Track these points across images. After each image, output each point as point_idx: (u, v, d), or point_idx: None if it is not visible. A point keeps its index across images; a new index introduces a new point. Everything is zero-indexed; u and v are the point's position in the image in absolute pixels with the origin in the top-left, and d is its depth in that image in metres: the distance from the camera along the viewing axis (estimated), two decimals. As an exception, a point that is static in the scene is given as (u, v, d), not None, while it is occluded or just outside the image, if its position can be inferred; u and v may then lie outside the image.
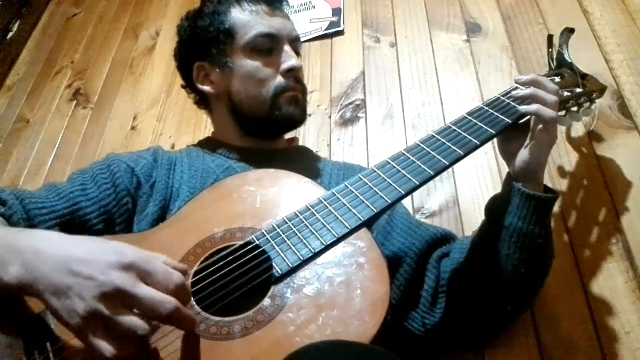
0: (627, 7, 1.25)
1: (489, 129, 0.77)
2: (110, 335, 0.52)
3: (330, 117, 1.40)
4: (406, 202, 1.10)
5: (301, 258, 0.66)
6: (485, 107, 0.81)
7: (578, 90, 0.94)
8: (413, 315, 0.85)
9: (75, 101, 1.79)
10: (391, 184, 0.72)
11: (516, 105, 0.80)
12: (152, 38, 1.87)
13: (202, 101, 1.04)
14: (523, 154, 0.77)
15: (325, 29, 1.59)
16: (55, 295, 0.53)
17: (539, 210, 0.76)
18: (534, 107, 0.77)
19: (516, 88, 0.83)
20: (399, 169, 0.74)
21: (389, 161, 0.76)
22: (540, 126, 0.77)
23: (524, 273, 0.77)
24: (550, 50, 1.04)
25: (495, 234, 0.79)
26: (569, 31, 1.02)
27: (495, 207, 0.81)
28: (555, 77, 0.95)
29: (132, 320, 0.52)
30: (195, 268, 0.68)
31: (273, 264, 0.67)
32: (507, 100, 0.82)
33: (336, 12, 1.62)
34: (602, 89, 0.99)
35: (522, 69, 1.27)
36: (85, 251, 0.55)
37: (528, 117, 0.80)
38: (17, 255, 0.56)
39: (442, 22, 1.46)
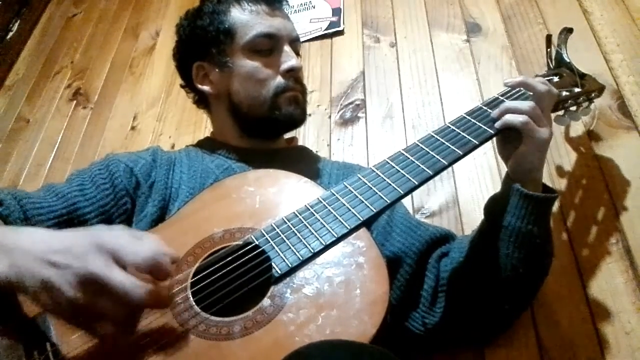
0: (627, 7, 1.25)
1: (488, 129, 0.77)
2: (99, 320, 0.53)
3: (330, 117, 1.40)
4: (406, 202, 1.10)
5: (300, 258, 0.66)
6: (484, 107, 0.81)
7: (577, 89, 0.94)
8: (413, 315, 0.85)
9: (75, 101, 1.79)
10: (390, 184, 0.72)
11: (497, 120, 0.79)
12: (152, 38, 1.87)
13: (202, 101, 1.04)
14: (521, 154, 0.77)
15: (325, 29, 1.59)
16: (40, 289, 0.54)
17: (538, 210, 0.76)
18: (505, 118, 0.76)
19: (509, 91, 0.83)
20: (398, 169, 0.74)
21: (388, 161, 0.76)
22: (524, 132, 0.76)
23: (523, 273, 0.77)
24: (549, 50, 1.04)
25: (494, 233, 0.79)
26: (568, 31, 1.02)
27: (494, 207, 0.81)
28: (554, 77, 0.95)
29: (110, 307, 0.53)
30: (194, 268, 0.68)
31: (272, 264, 0.67)
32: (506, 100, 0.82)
33: (336, 12, 1.62)
34: (600, 89, 0.99)
35: (522, 69, 1.27)
36: (63, 241, 0.56)
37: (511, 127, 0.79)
38: (4, 254, 0.56)
39: (442, 22, 1.46)
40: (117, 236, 0.56)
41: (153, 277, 0.56)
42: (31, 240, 0.57)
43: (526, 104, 0.76)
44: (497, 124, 0.77)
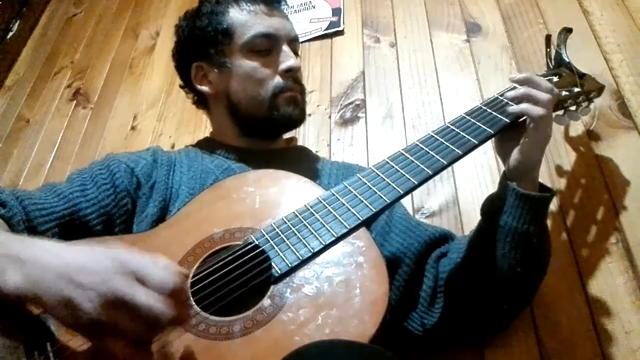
0: (627, 7, 1.25)
1: (487, 129, 0.77)
2: (118, 339, 0.53)
3: (330, 117, 1.40)
4: (406, 202, 1.10)
5: (300, 258, 0.66)
6: (483, 107, 0.81)
7: (576, 89, 0.94)
8: (412, 316, 0.85)
9: (75, 101, 1.79)
10: (390, 184, 0.72)
11: (513, 105, 0.80)
12: (152, 38, 1.87)
13: (201, 101, 1.04)
14: (517, 153, 0.77)
15: (325, 29, 1.59)
16: (59, 306, 0.53)
17: (534, 210, 0.76)
18: (522, 106, 0.77)
19: (513, 88, 0.83)
20: (398, 168, 0.74)
21: (388, 161, 0.76)
22: (532, 125, 0.76)
23: (520, 272, 0.77)
24: (548, 50, 1.04)
25: (491, 233, 0.79)
26: (567, 31, 1.02)
27: (491, 207, 0.81)
28: (554, 77, 0.95)
29: (134, 328, 0.53)
30: (194, 268, 0.68)
31: (272, 263, 0.67)
32: (506, 100, 0.82)
33: (336, 12, 1.62)
34: (600, 89, 0.99)
35: (522, 69, 1.27)
36: (84, 260, 0.56)
37: (525, 116, 0.80)
38: (16, 265, 0.56)
39: (442, 22, 1.46)
40: (140, 258, 0.56)
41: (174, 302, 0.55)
42: (47, 254, 0.57)
43: (545, 96, 0.77)
44: (513, 109, 0.77)
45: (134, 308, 0.52)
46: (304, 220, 0.71)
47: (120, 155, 0.91)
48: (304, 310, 0.62)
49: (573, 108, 0.97)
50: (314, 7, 1.67)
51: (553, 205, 1.02)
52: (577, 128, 1.11)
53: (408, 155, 0.76)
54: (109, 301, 0.52)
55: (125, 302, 0.52)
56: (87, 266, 0.55)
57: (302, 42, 1.50)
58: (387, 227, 0.89)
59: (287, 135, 1.07)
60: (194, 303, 0.64)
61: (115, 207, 0.83)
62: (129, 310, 0.53)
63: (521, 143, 0.77)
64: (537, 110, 0.76)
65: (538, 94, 0.78)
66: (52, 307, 0.54)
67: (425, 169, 0.73)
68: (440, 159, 0.74)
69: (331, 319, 0.61)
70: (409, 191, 0.72)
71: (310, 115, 1.38)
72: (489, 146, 1.14)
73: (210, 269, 0.68)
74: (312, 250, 0.67)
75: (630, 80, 1.13)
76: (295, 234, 0.69)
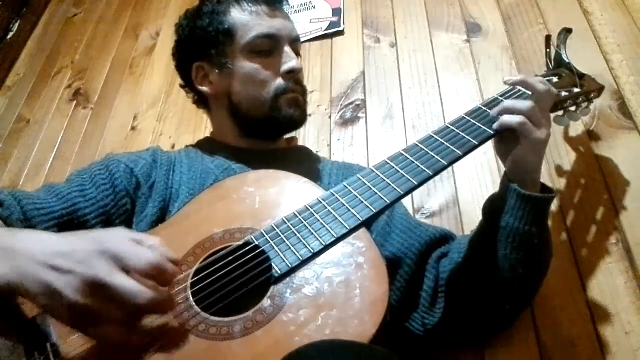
0: (627, 7, 1.25)
1: (487, 129, 0.77)
2: (101, 324, 0.53)
3: (330, 117, 1.40)
4: (406, 202, 1.10)
5: (300, 258, 0.66)
6: (483, 107, 0.81)
7: (576, 90, 0.94)
8: (413, 316, 0.85)
9: (75, 101, 1.79)
10: (390, 184, 0.72)
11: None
12: (152, 38, 1.87)
13: (201, 101, 1.04)
14: (517, 154, 0.77)
15: (325, 29, 1.59)
16: (41, 292, 0.53)
17: (535, 211, 0.76)
18: (503, 119, 0.76)
19: (514, 90, 0.83)
20: (398, 169, 0.74)
21: (388, 161, 0.76)
22: (529, 130, 0.75)
23: (522, 273, 0.77)
24: (548, 50, 1.04)
25: (492, 234, 0.78)
26: (567, 31, 1.02)
27: (492, 208, 0.81)
28: (553, 77, 0.95)
29: (113, 312, 0.53)
30: (194, 268, 0.68)
31: (272, 264, 0.67)
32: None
33: (336, 12, 1.62)
34: (599, 89, 0.99)
35: (522, 69, 1.27)
36: (65, 245, 0.56)
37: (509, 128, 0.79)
38: (5, 256, 0.56)
39: (442, 22, 1.46)
40: (120, 241, 0.56)
41: (156, 282, 0.56)
42: (30, 242, 0.57)
43: (524, 103, 0.76)
44: (495, 125, 0.77)
45: (111, 290, 0.52)
46: (303, 221, 0.71)
47: (120, 155, 0.91)
48: (304, 310, 0.62)
49: (573, 108, 0.97)
50: (314, 7, 1.67)
51: (553, 205, 1.02)
52: (577, 128, 1.11)
53: (408, 156, 0.76)
54: (88, 285, 0.52)
55: (103, 285, 0.52)
56: (67, 250, 0.55)
57: (302, 42, 1.50)
58: (388, 228, 0.89)
59: (287, 136, 1.07)
60: (193, 303, 0.64)
61: (114, 207, 0.83)
62: (107, 293, 0.52)
63: (521, 145, 0.77)
64: (516, 120, 0.75)
65: (519, 104, 0.76)
66: (35, 295, 0.54)
67: (425, 169, 0.73)
68: (440, 160, 0.74)
69: (331, 319, 0.61)
70: (409, 191, 0.72)
71: (310, 115, 1.38)
72: (489, 146, 1.13)
73: (210, 269, 0.68)
74: (312, 251, 0.67)
75: (630, 80, 1.13)
76: (295, 234, 0.69)
